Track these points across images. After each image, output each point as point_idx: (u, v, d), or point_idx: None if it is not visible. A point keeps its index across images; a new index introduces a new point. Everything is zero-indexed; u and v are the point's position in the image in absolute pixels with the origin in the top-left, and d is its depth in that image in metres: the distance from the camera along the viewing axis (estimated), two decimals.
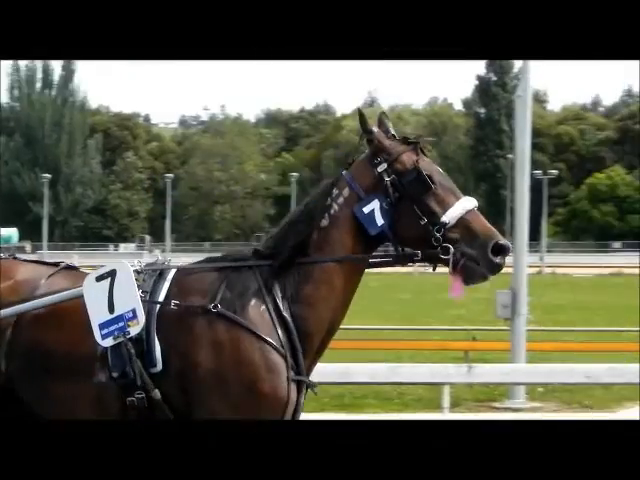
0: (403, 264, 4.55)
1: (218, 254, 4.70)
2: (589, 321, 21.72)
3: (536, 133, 64.49)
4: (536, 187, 61.71)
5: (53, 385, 4.43)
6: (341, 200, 4.40)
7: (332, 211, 4.40)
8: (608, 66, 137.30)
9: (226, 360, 4.28)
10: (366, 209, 4.33)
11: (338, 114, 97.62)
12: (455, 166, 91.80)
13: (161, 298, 4.41)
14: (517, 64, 55.69)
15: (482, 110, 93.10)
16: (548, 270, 53.61)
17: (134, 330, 4.32)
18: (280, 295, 4.38)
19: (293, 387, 4.33)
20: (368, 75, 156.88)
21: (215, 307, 4.32)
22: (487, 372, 8.58)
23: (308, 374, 4.45)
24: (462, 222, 4.25)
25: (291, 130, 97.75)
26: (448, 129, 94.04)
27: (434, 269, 4.38)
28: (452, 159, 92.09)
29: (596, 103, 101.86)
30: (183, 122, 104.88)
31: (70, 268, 4.76)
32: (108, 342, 4.34)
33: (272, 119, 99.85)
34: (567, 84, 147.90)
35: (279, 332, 4.32)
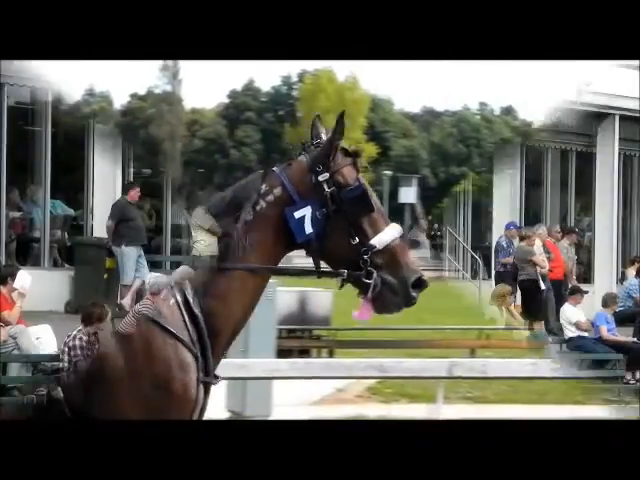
0: (320, 277, 4.26)
1: None
2: None
3: None
4: None
5: None
6: (270, 198, 4.15)
7: (258, 207, 4.15)
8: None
9: (137, 355, 4.07)
10: (297, 214, 4.10)
11: None
12: None
13: None
14: None
15: None
16: None
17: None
18: (190, 288, 4.15)
19: (201, 388, 4.15)
20: None
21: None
22: None
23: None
24: (389, 250, 4.10)
25: None
26: None
27: (340, 287, 4.19)
28: None
29: None
30: None
31: None
32: None
33: None
34: None
35: (190, 329, 4.10)
